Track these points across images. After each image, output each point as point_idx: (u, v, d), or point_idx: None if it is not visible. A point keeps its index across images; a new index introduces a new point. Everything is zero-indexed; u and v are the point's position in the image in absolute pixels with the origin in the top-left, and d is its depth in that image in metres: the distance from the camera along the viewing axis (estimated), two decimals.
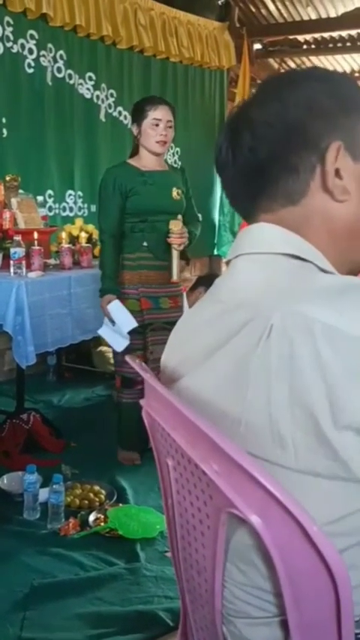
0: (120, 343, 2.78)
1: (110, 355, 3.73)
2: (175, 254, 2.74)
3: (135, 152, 2.85)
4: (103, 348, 4.11)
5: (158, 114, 2.71)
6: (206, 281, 3.85)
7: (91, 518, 2.35)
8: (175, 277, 2.77)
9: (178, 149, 4.98)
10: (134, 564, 2.11)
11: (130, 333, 2.76)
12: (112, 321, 2.76)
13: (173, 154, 4.97)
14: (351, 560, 0.67)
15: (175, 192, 2.80)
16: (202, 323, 0.79)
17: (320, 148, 0.73)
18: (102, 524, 2.32)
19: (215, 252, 5.72)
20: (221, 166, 0.81)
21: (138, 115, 2.76)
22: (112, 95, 4.31)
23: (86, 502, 2.45)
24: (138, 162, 2.79)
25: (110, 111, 4.31)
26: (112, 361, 3.59)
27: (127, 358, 0.89)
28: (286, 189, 0.75)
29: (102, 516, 2.36)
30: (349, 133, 0.74)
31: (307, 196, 0.75)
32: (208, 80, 5.28)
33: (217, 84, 5.40)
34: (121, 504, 2.48)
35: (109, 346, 2.88)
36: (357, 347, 0.61)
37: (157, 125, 2.71)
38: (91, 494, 2.50)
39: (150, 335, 2.82)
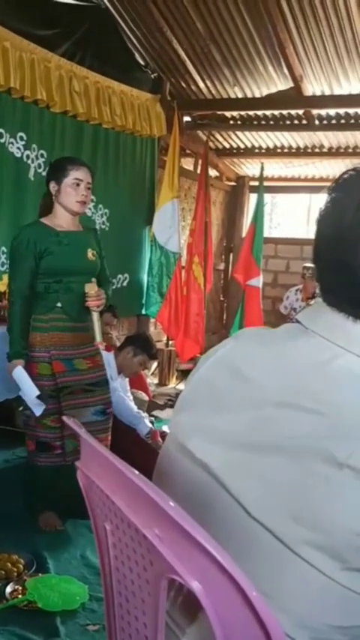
0: (36, 408, 2.63)
1: None
2: (95, 316, 2.70)
3: (48, 210, 2.77)
4: None
5: (80, 174, 2.69)
6: (135, 341, 3.85)
7: (8, 590, 2.21)
8: (98, 338, 2.71)
9: (107, 210, 5.06)
10: None
11: (44, 397, 2.65)
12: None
13: (102, 215, 5.03)
14: None
15: (90, 253, 2.77)
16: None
17: None
18: (20, 596, 2.18)
19: (143, 312, 5.75)
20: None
21: (58, 173, 2.71)
22: (42, 155, 4.35)
23: (3, 573, 2.31)
24: (52, 222, 2.73)
25: (40, 170, 4.33)
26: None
27: (65, 419, 0.87)
28: None
29: (20, 588, 2.23)
30: None
31: None
32: (139, 147, 5.45)
33: (148, 151, 5.58)
34: (40, 574, 2.35)
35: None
36: None
37: (77, 185, 2.69)
38: (9, 564, 2.35)
39: (65, 399, 2.72)
